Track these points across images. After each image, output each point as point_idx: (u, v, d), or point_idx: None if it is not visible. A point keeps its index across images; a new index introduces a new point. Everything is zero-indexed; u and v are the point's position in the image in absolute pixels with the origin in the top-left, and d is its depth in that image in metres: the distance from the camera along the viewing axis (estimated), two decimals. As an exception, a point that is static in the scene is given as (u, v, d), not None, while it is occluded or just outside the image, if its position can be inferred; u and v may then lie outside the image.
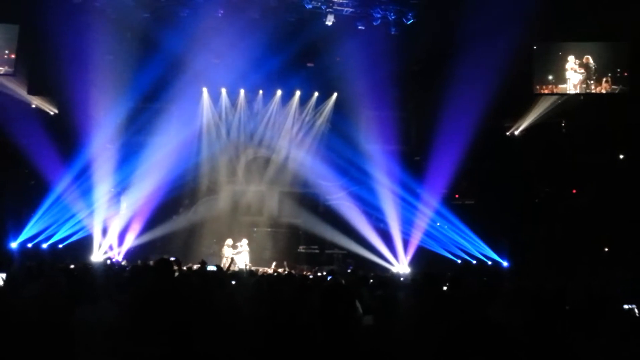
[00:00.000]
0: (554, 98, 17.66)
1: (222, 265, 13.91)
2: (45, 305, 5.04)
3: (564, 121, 18.57)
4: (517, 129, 18.93)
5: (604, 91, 17.01)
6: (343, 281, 8.30)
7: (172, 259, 7.21)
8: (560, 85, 17.32)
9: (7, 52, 17.19)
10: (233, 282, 7.53)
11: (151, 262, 11.98)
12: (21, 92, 18.03)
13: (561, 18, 16.40)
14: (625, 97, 16.67)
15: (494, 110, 16.61)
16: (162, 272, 5.57)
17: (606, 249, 17.27)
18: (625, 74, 16.86)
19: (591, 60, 17.12)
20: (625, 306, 4.90)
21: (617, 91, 16.90)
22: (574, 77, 17.23)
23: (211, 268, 13.84)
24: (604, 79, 17.03)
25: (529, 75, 17.27)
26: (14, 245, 17.51)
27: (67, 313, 4.94)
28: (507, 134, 19.15)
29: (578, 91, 17.21)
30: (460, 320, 2.46)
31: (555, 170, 18.00)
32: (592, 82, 17.12)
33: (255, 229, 20.55)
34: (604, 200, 16.41)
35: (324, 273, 14.03)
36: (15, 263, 11.15)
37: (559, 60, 17.34)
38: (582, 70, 17.14)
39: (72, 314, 4.95)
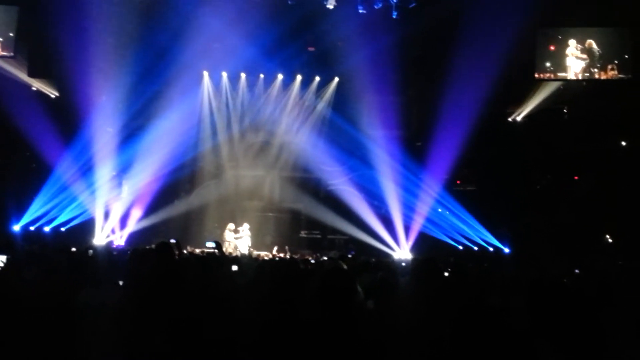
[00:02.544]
0: (556, 84, 17.47)
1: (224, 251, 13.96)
2: (47, 289, 5.04)
3: (566, 107, 18.49)
4: (518, 115, 18.88)
5: (609, 78, 16.68)
6: (344, 266, 8.31)
7: (172, 241, 7.21)
8: (559, 74, 17.00)
9: (6, 34, 17.07)
10: (234, 267, 7.52)
11: (152, 246, 12.02)
12: (21, 74, 17.94)
13: (564, 2, 16.29)
14: (628, 84, 16.49)
15: (496, 96, 16.53)
16: (163, 255, 5.57)
17: (607, 237, 17.28)
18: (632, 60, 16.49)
19: (594, 45, 16.71)
20: None
21: (624, 79, 16.51)
22: (575, 64, 16.80)
23: (210, 244, 13.90)
24: (609, 66, 16.64)
25: (531, 61, 17.12)
26: (16, 228, 17.54)
27: (69, 296, 4.94)
28: (509, 120, 19.10)
29: (580, 78, 17.02)
30: (461, 306, 2.46)
31: (556, 156, 17.95)
32: (595, 69, 16.72)
33: (256, 214, 20.54)
34: (605, 188, 16.38)
35: (326, 258, 14.05)
36: (17, 246, 11.18)
37: (560, 45, 17.01)
38: (585, 56, 16.72)
39: (74, 297, 4.96)
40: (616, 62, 16.63)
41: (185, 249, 16.23)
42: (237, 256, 11.00)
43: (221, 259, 7.82)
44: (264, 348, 3.65)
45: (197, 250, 15.48)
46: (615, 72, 16.60)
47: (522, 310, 3.15)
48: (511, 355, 2.40)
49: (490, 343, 2.33)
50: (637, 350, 3.59)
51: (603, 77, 16.73)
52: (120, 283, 5.50)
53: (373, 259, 12.70)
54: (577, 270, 9.36)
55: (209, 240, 16.41)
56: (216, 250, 9.42)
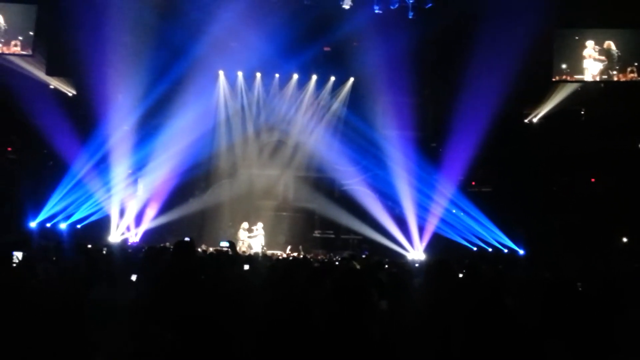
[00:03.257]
0: (573, 85, 17.28)
1: (237, 250, 13.98)
2: (60, 285, 5.08)
3: (583, 109, 18.34)
4: (535, 116, 18.76)
5: (628, 80, 16.33)
6: (358, 266, 8.31)
7: (186, 239, 7.24)
8: (576, 76, 16.73)
9: (26, 32, 17.21)
10: (246, 267, 7.54)
11: (167, 244, 12.08)
12: (39, 73, 18.10)
13: (583, 3, 16.14)
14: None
15: (512, 97, 16.46)
16: (181, 253, 5.58)
17: (624, 239, 17.13)
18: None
19: (613, 47, 16.38)
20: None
21: None
22: (592, 66, 16.49)
23: (224, 244, 13.93)
24: (629, 68, 16.29)
25: (548, 62, 16.97)
26: (32, 224, 17.70)
27: (82, 293, 4.98)
28: (526, 121, 18.99)
29: (598, 80, 16.75)
30: (474, 307, 2.45)
31: (573, 158, 17.80)
32: (614, 72, 16.37)
33: (270, 213, 20.57)
34: (622, 189, 16.24)
35: (339, 258, 14.05)
36: (33, 243, 11.27)
37: (576, 46, 16.73)
38: (603, 58, 16.42)
39: (88, 294, 4.99)
40: (636, 64, 16.30)
41: (200, 247, 16.32)
42: (250, 255, 11.02)
43: (234, 258, 7.85)
44: (276, 347, 3.65)
45: (212, 249, 15.52)
46: (635, 75, 16.25)
47: (535, 311, 3.14)
48: (522, 355, 2.39)
49: (502, 343, 2.32)
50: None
51: (622, 79, 16.42)
52: (133, 278, 5.52)
53: (387, 260, 12.67)
54: (592, 273, 9.26)
55: (223, 240, 16.47)
56: (229, 250, 9.44)
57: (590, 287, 5.42)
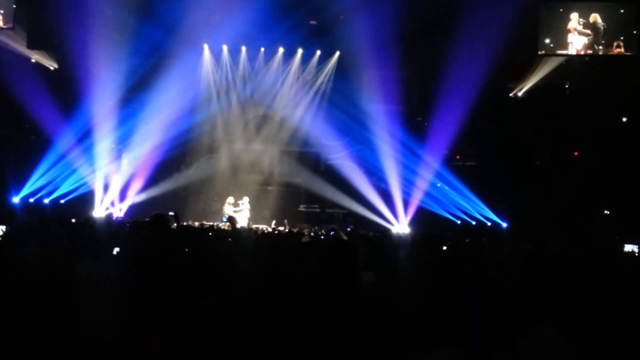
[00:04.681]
0: (559, 59, 17.17)
1: (223, 225, 14.00)
2: (45, 260, 5.06)
3: (568, 83, 18.39)
4: (520, 90, 18.78)
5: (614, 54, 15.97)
6: (345, 237, 8.35)
7: (171, 214, 7.23)
8: (560, 51, 16.37)
9: (9, 5, 16.87)
10: (230, 239, 7.55)
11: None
12: (20, 46, 17.81)
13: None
14: (632, 60, 16.14)
15: (498, 71, 16.39)
16: (158, 226, 5.58)
17: (606, 212, 17.32)
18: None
19: (599, 20, 15.92)
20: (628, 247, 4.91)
21: (630, 56, 15.76)
22: (577, 40, 16.05)
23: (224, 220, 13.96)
24: (615, 43, 15.89)
25: (533, 35, 16.90)
26: (15, 200, 17.58)
27: (67, 268, 4.96)
28: (510, 95, 19.02)
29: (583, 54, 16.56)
30: (459, 277, 2.47)
31: (557, 132, 17.90)
32: (600, 46, 15.96)
33: (256, 188, 20.57)
34: (605, 163, 16.37)
35: (324, 232, 14.10)
36: (16, 217, 11.20)
37: (561, 19, 16.25)
38: (588, 31, 15.99)
39: (73, 269, 4.97)
40: (622, 38, 15.89)
41: (186, 222, 16.30)
42: (235, 229, 11.02)
43: (218, 232, 7.84)
44: (262, 320, 3.67)
45: (197, 224, 15.52)
46: (621, 50, 15.87)
47: (517, 282, 3.17)
48: (504, 326, 2.41)
49: (484, 313, 2.35)
50: (636, 325, 3.61)
51: (608, 53, 16.02)
52: (115, 252, 5.51)
53: (372, 233, 12.74)
54: (574, 245, 9.38)
55: (210, 221, 16.57)
56: (228, 225, 9.48)
57: (573, 259, 5.48)
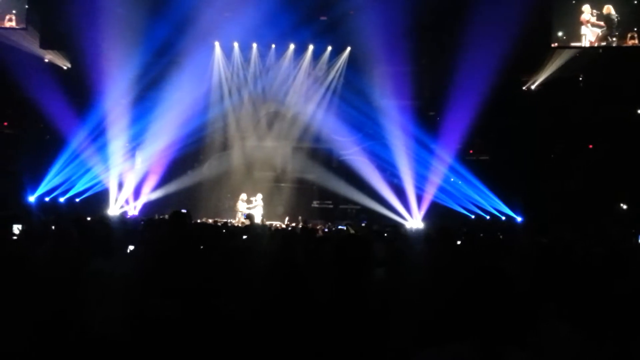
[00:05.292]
0: (572, 51, 17.03)
1: (236, 222, 14.04)
2: (59, 258, 5.08)
3: (581, 75, 18.23)
4: (533, 83, 18.65)
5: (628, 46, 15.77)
6: (352, 231, 8.35)
7: (183, 211, 7.25)
8: (573, 43, 16.25)
9: (20, 6, 16.99)
10: (245, 237, 7.58)
11: (166, 217, 12.12)
12: (33, 46, 17.94)
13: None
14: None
15: (510, 64, 16.27)
16: (176, 224, 5.59)
17: (622, 205, 17.18)
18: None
19: (612, 11, 15.76)
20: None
21: None
22: (590, 32, 15.94)
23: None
24: (629, 34, 15.68)
25: (547, 28, 16.76)
26: (31, 199, 17.72)
27: (80, 266, 4.98)
28: (524, 88, 18.89)
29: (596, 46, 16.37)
30: (472, 273, 2.45)
31: (571, 125, 17.75)
32: (614, 38, 15.77)
33: (269, 184, 20.60)
34: (620, 156, 16.22)
35: (339, 227, 14.09)
36: (33, 216, 11.29)
37: (573, 12, 16.13)
38: (602, 23, 15.85)
39: (86, 267, 5.00)
40: (636, 29, 15.73)
41: (200, 219, 16.36)
42: (249, 226, 11.06)
43: (232, 229, 7.87)
44: (273, 316, 3.68)
45: (210, 221, 15.56)
46: (636, 41, 15.67)
47: (531, 277, 3.16)
48: (515, 320, 2.40)
49: (495, 307, 2.34)
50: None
51: (623, 45, 15.85)
52: (129, 250, 5.53)
53: (385, 228, 12.71)
54: (589, 239, 9.32)
55: (224, 218, 16.63)
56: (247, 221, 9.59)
57: (588, 253, 5.45)
